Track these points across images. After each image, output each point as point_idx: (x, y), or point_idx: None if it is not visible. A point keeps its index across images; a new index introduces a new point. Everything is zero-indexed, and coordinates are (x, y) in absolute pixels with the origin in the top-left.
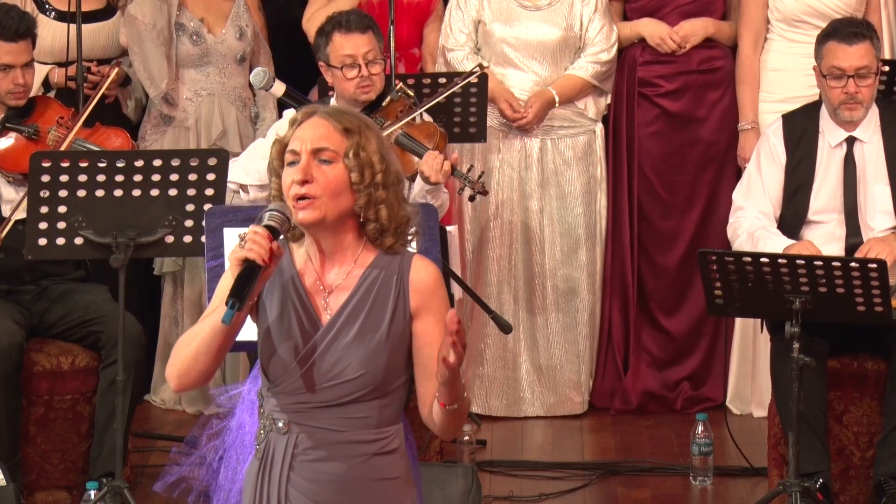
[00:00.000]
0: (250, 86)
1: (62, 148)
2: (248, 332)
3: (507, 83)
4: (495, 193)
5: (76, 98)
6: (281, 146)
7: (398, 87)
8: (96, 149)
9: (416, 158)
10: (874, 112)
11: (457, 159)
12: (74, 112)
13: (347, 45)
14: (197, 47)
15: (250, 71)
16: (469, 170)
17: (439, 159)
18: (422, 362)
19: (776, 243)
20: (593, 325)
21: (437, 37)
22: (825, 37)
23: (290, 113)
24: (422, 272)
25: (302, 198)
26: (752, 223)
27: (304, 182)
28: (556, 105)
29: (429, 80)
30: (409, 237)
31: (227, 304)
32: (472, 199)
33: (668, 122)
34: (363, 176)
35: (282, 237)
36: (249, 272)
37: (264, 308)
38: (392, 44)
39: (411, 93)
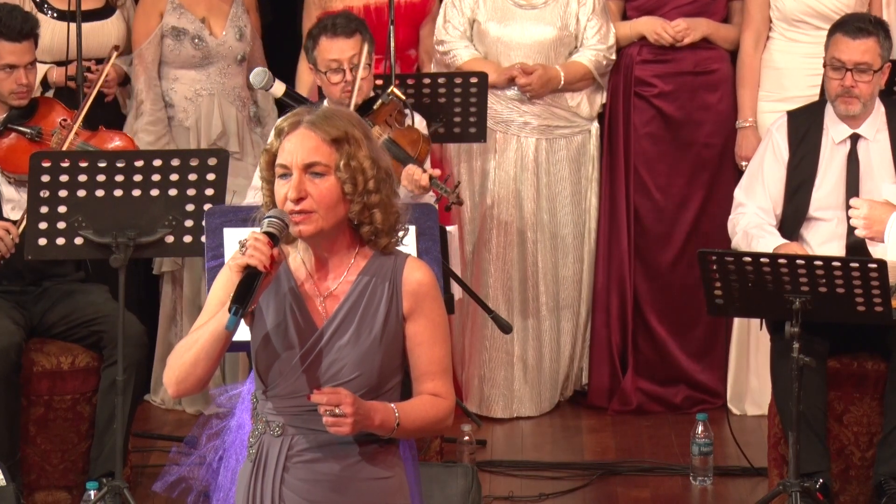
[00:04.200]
0: (249, 86)
1: (63, 149)
2: (247, 332)
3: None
4: (493, 194)
5: (76, 97)
6: (270, 156)
7: (390, 90)
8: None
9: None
10: (880, 110)
11: (437, 174)
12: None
13: (333, 50)
14: (198, 50)
15: (248, 71)
16: (447, 179)
17: (418, 173)
18: (412, 363)
19: (768, 242)
20: (586, 324)
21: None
22: (834, 28)
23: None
24: (415, 273)
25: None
26: (750, 220)
27: (298, 200)
28: (560, 83)
29: (429, 81)
30: (400, 234)
31: (229, 310)
32: (447, 208)
33: (664, 123)
34: (356, 185)
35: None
36: (251, 278)
37: (260, 312)
38: (392, 45)
39: (403, 96)
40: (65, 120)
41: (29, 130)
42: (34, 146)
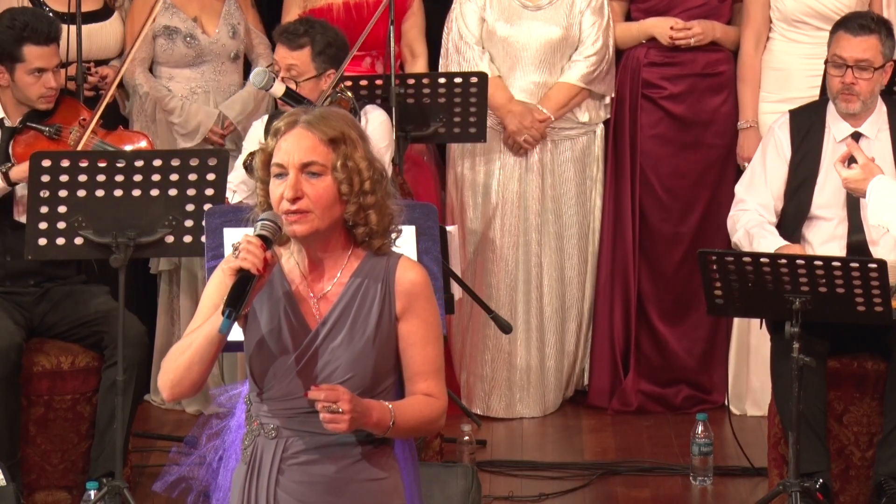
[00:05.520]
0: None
1: (80, 148)
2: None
3: (508, 83)
4: (497, 194)
5: (77, 98)
6: (266, 156)
7: (340, 88)
8: (112, 149)
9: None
10: (882, 109)
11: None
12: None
13: (278, 52)
14: (191, 49)
15: (244, 67)
16: None
17: None
18: (404, 363)
19: (770, 242)
20: (589, 325)
21: (416, 33)
22: (837, 26)
23: (261, 122)
24: (408, 273)
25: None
26: (752, 218)
27: (294, 199)
28: (552, 118)
29: (429, 81)
30: (393, 235)
31: (223, 313)
32: None
33: (672, 125)
34: (352, 186)
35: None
36: (244, 281)
37: (254, 315)
38: (391, 43)
39: (350, 94)
40: (84, 119)
41: (47, 128)
42: (53, 143)
